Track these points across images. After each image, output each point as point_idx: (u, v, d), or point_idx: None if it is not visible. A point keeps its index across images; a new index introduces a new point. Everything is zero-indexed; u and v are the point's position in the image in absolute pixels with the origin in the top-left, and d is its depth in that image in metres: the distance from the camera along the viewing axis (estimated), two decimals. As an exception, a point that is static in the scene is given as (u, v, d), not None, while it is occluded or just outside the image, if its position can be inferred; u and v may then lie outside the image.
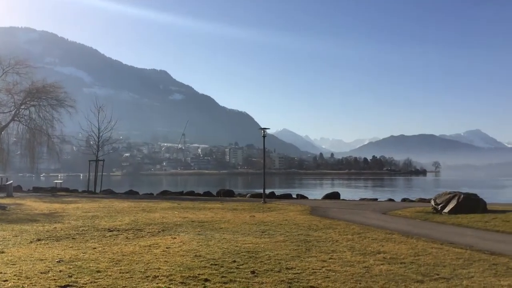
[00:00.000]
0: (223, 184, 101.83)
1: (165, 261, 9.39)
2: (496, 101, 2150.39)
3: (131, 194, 39.63)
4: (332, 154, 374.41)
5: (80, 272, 8.33)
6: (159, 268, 8.69)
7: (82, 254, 10.18)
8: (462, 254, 10.35)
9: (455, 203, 19.81)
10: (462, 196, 20.10)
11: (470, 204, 19.82)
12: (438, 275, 8.27)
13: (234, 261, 9.39)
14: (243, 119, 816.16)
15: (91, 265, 8.95)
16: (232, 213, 20.37)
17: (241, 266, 8.94)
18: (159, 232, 14.04)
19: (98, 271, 8.44)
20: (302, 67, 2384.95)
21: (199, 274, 8.22)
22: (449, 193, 21.08)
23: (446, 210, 19.82)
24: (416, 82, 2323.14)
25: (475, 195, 20.94)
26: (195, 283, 7.69)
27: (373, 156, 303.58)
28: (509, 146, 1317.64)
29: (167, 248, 10.97)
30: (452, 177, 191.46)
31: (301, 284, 7.64)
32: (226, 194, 37.03)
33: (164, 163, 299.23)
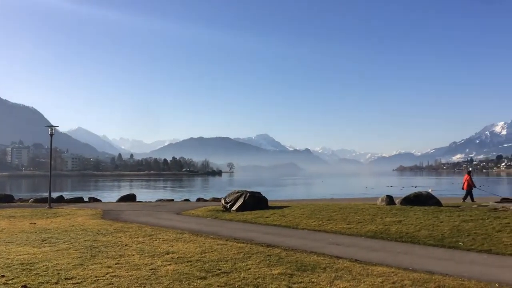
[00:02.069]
0: (3, 188, 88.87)
1: None
2: (281, 109, 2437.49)
3: None
4: (131, 155, 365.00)
5: None
6: None
7: None
8: (243, 248, 11.25)
9: (242, 201, 21.57)
10: (248, 194, 22.00)
11: (254, 201, 21.85)
12: (220, 270, 8.77)
13: (2, 276, 8.18)
14: (30, 115, 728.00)
15: None
16: (7, 221, 17.84)
17: (10, 281, 7.84)
18: None
19: None
20: (98, 60, 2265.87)
21: (-49, 297, 6.89)
22: (237, 192, 22.83)
23: (234, 208, 21.40)
24: (213, 87, 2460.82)
25: (259, 193, 23.19)
26: None
27: (173, 157, 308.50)
28: (290, 149, 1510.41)
29: None
30: (244, 177, 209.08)
31: (80, 295, 7.12)
32: (4, 200, 32.21)
33: None
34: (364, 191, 67.54)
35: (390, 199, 20.12)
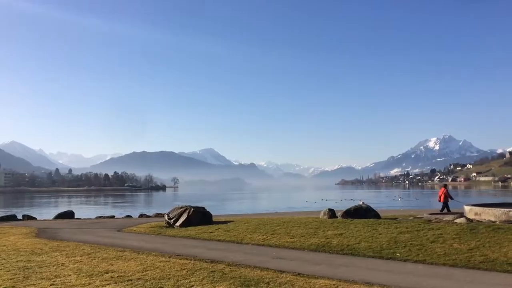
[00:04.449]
0: None
1: None
2: (226, 123, 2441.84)
3: None
4: (70, 170, 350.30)
5: None
6: None
7: None
8: (187, 265, 11.08)
9: (186, 216, 21.26)
10: (192, 209, 21.73)
11: (199, 216, 21.62)
12: (162, 288, 8.59)
13: None
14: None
15: None
16: None
17: None
18: None
19: None
20: (33, 66, 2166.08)
21: None
22: (181, 207, 22.50)
23: (178, 223, 21.04)
24: (155, 99, 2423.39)
25: (203, 208, 22.98)
26: None
27: (115, 172, 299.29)
28: (236, 163, 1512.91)
29: None
30: (189, 191, 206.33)
31: (10, 319, 6.69)
32: None
33: None
34: (305, 204, 69.01)
35: (332, 213, 20.63)
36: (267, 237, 16.17)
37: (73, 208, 54.10)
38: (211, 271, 10.22)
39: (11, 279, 9.57)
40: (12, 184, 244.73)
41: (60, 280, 9.37)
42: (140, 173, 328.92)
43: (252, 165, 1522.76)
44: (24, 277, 9.79)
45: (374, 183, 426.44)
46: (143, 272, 10.23)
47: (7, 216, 31.82)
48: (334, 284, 8.79)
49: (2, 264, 11.48)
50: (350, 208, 20.64)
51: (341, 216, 19.83)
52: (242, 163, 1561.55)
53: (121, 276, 9.77)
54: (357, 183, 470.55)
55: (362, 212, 19.88)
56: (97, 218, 32.62)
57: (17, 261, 11.95)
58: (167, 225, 21.46)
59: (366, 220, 18.21)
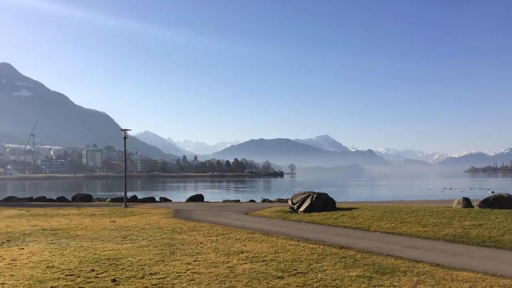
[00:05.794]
0: (80, 188, 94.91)
1: (11, 275, 8.32)
2: (342, 109, 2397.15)
3: (-34, 202, 34.45)
4: (195, 157, 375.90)
5: None
6: (3, 284, 7.65)
7: None
8: (316, 249, 11.20)
9: (309, 202, 21.44)
10: (315, 195, 21.84)
11: (322, 203, 21.66)
12: (296, 270, 8.80)
13: (93, 270, 8.74)
14: (102, 119, 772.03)
15: None
16: (90, 219, 19.04)
17: (100, 275, 8.35)
18: (2, 243, 12.40)
19: None
20: (165, 66, 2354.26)
21: (52, 287, 7.45)
22: (304, 193, 22.74)
23: (302, 209, 21.33)
24: (275, 89, 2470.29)
25: (326, 194, 22.94)
26: (47, 297, 6.94)
27: (235, 159, 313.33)
28: (352, 150, 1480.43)
29: (13, 260, 9.73)
30: (306, 178, 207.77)
31: (165, 289, 7.43)
32: (83, 199, 34.51)
33: (9, 166, 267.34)
34: (429, 193, 64.72)
35: (467, 202, 19.12)
36: (395, 225, 15.58)
37: (200, 192, 58.15)
38: (342, 257, 10.18)
39: (159, 254, 10.62)
40: (147, 170, 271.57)
41: (202, 257, 10.14)
42: (258, 160, 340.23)
43: (370, 152, 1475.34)
44: (170, 252, 10.79)
45: (511, 170, 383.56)
46: (275, 254, 10.59)
47: (147, 197, 35.50)
48: (480, 277, 8.14)
49: (150, 240, 12.79)
50: (489, 197, 18.92)
51: (478, 205, 18.26)
52: (359, 149, 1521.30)
53: (256, 256, 10.23)
54: (490, 170, 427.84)
55: (503, 202, 18.07)
56: (223, 201, 34.61)
57: (162, 238, 13.22)
58: (291, 210, 21.89)
59: (508, 210, 16.53)
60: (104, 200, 34.72)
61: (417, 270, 8.77)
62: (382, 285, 7.64)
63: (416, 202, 30.66)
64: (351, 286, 7.60)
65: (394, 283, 7.77)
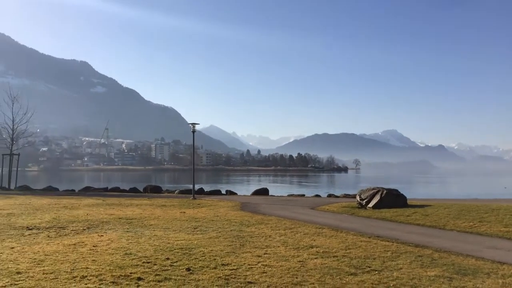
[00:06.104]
0: (149, 180, 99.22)
1: (93, 260, 8.79)
2: (410, 103, 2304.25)
3: (50, 191, 37.19)
4: (259, 151, 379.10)
5: (-4, 275, 7.54)
6: (87, 268, 8.11)
7: (-4, 255, 9.24)
8: (390, 247, 10.80)
9: (379, 198, 20.78)
10: (385, 191, 21.12)
11: (392, 199, 20.89)
12: (369, 267, 8.52)
13: (168, 258, 9.02)
14: (170, 114, 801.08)
15: (9, 266, 8.15)
16: (161, 210, 19.77)
17: (175, 264, 8.60)
18: (84, 230, 13.19)
19: (18, 273, 7.70)
20: (230, 62, 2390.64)
21: (131, 273, 7.77)
22: (373, 188, 22.07)
23: (371, 205, 20.72)
24: (339, 83, 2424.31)
25: (396, 190, 22.09)
26: (127, 282, 7.25)
27: (298, 154, 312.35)
28: (421, 145, 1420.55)
29: (94, 246, 10.30)
30: (371, 174, 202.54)
31: (238, 280, 7.48)
32: (154, 190, 35.99)
33: (86, 159, 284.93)
34: (505, 191, 60.40)
35: (555, 201, 17.59)
36: (474, 224, 14.68)
37: (264, 185, 58.57)
38: (418, 256, 9.73)
39: (229, 245, 10.75)
40: (212, 163, 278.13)
41: (271, 250, 10.13)
42: (322, 155, 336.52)
43: (440, 147, 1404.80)
44: (240, 244, 10.89)
45: None
46: (346, 249, 10.35)
47: (214, 190, 36.29)
48: None
49: (220, 232, 13.01)
50: None
51: None
52: (429, 144, 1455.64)
53: (326, 252, 10.05)
54: None
55: None
56: (288, 195, 34.56)
57: (231, 230, 13.40)
58: (359, 206, 21.36)
59: None
60: (173, 191, 35.92)
61: (502, 272, 8.17)
62: (464, 287, 7.20)
63: (493, 200, 28.74)
64: (431, 286, 7.23)
65: (477, 285, 7.29)
